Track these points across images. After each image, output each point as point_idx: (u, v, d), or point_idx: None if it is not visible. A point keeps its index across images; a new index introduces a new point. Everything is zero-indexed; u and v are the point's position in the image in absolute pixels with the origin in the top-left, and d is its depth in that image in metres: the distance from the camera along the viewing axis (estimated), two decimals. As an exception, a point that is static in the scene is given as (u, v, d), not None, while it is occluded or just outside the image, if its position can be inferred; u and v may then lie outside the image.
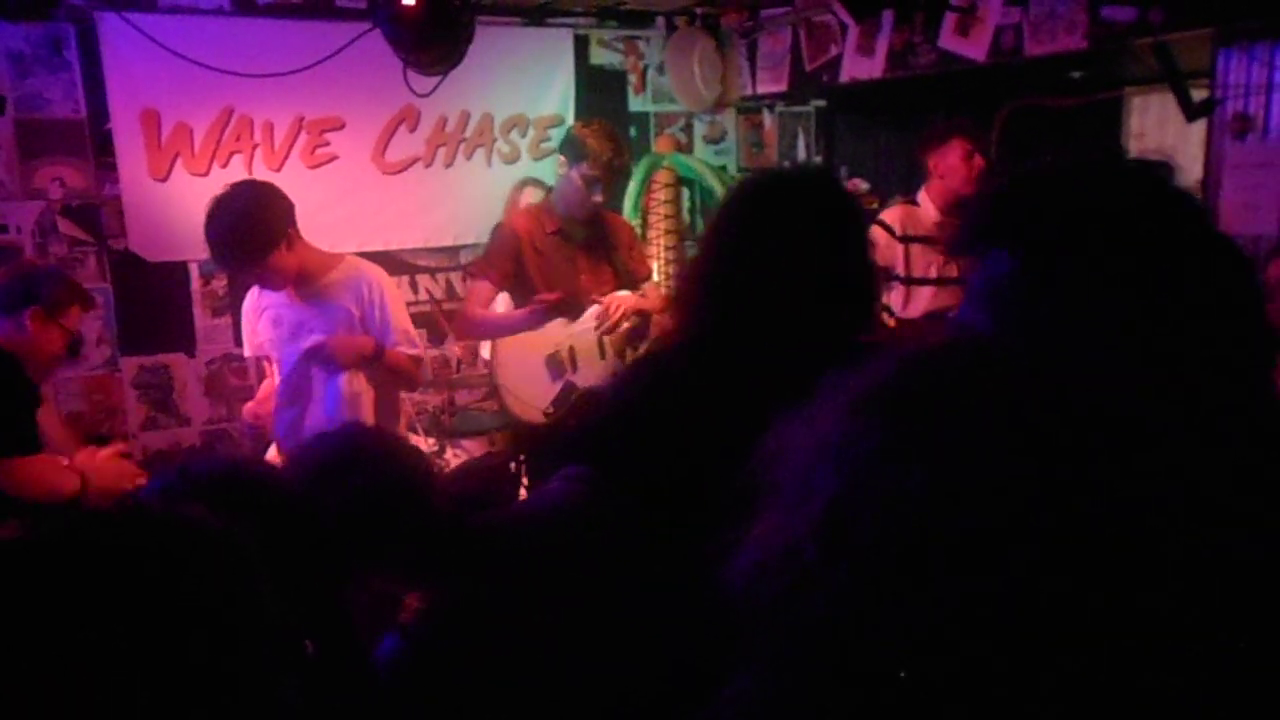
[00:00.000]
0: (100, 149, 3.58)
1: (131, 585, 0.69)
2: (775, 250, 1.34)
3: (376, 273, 2.71)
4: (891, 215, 3.30)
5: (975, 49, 3.36)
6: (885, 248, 3.18)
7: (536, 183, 4.10)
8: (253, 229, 2.42)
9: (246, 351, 2.91)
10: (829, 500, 0.52)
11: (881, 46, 3.71)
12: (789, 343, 1.28)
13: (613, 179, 2.94)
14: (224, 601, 0.72)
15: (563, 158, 2.97)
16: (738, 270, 1.37)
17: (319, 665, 1.04)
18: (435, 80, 2.92)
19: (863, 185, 4.31)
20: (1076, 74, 3.60)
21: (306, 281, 2.60)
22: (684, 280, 1.48)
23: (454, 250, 4.26)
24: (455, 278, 4.32)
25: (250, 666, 0.72)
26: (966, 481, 0.49)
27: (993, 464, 0.49)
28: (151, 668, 0.66)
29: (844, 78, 3.91)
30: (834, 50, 3.95)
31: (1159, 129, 3.80)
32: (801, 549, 0.53)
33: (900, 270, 3.25)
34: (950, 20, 3.42)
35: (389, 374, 2.66)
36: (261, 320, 2.70)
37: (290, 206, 2.50)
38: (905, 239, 3.24)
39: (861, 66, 3.82)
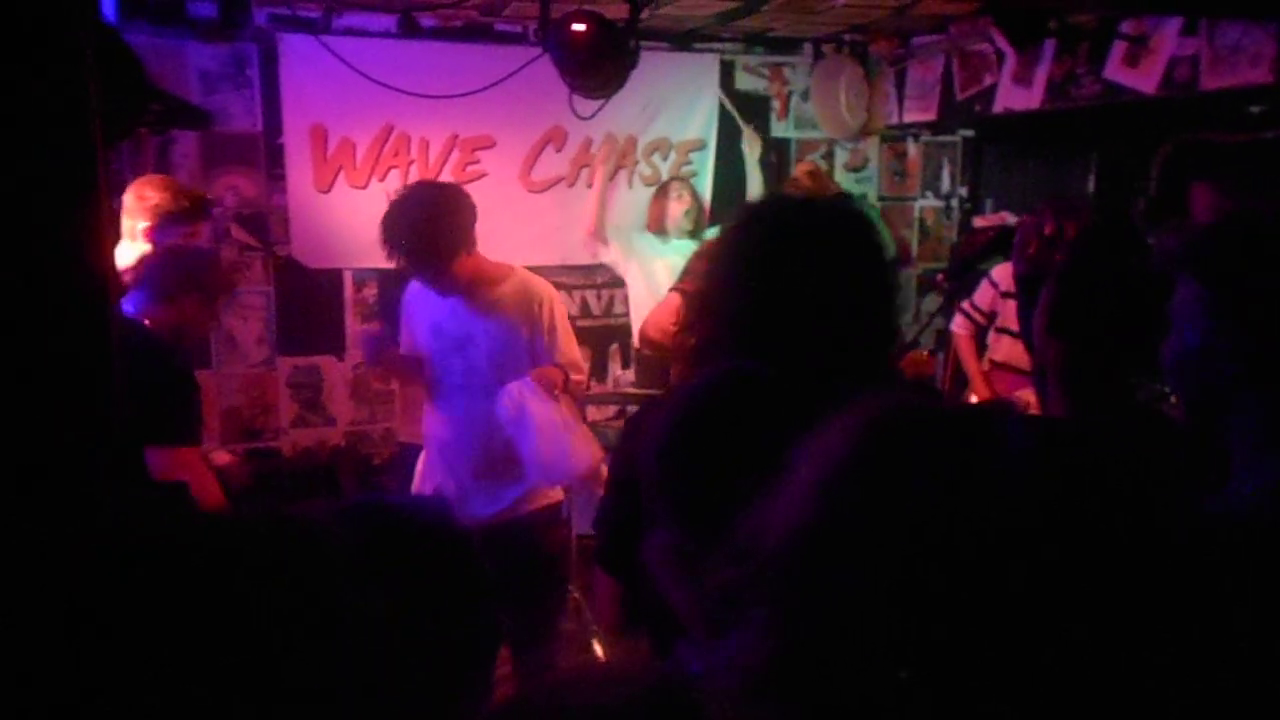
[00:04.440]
0: (271, 161, 3.82)
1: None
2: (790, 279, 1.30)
3: (549, 290, 2.64)
4: (1000, 271, 3.48)
5: (1145, 81, 3.21)
6: (994, 300, 3.53)
7: (682, 181, 4.14)
8: (442, 230, 2.40)
9: (403, 348, 2.77)
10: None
11: (1040, 76, 3.59)
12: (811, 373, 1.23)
13: None
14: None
15: None
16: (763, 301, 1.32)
17: None
18: (597, 104, 2.99)
19: (1011, 218, 4.17)
20: (1255, 109, 3.39)
21: (477, 291, 2.54)
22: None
23: (590, 269, 4.34)
24: (590, 295, 4.40)
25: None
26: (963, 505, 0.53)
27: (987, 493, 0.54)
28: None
29: (997, 108, 3.80)
30: (988, 80, 3.85)
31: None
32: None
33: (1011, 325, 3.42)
34: (1118, 50, 3.28)
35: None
36: (419, 329, 2.67)
37: (475, 212, 2.48)
38: (1005, 295, 3.44)
39: (1018, 97, 3.71)
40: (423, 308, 2.66)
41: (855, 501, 0.55)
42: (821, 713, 0.54)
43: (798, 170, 4.37)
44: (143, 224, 2.73)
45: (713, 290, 1.37)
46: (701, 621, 1.01)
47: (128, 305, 2.27)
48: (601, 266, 4.30)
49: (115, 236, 2.58)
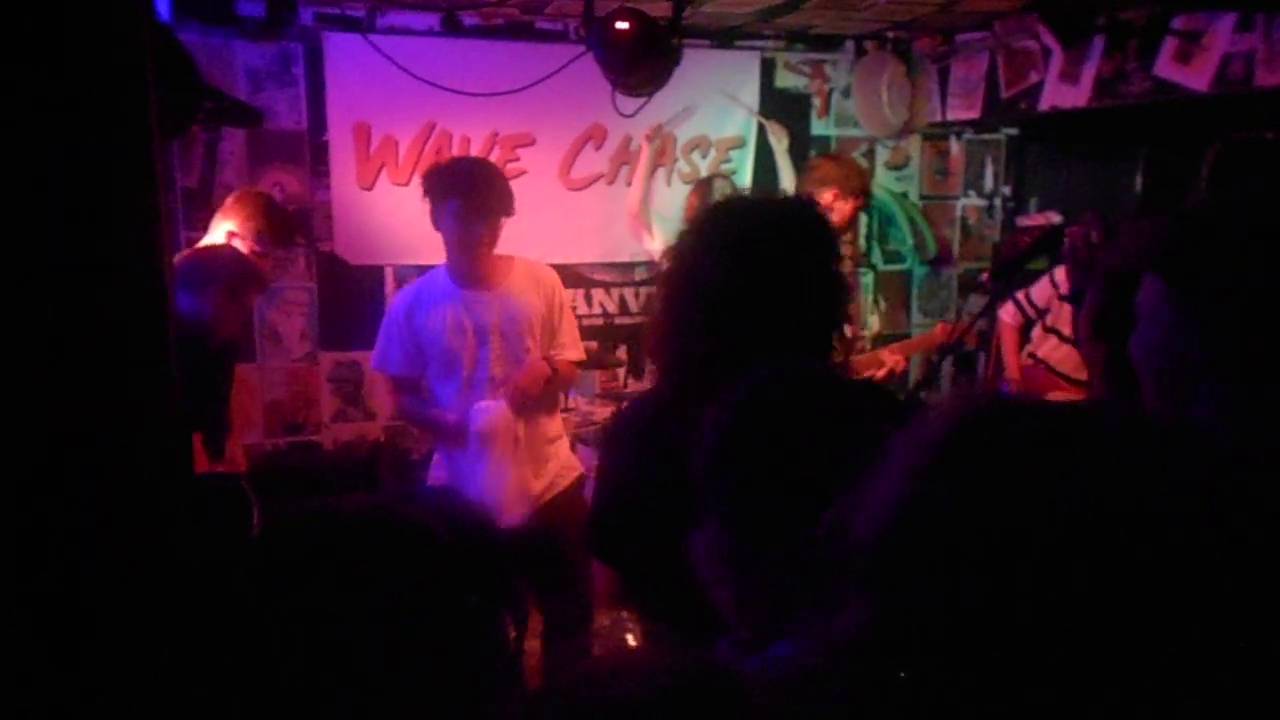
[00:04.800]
0: (315, 158, 3.87)
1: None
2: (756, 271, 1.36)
3: (551, 271, 2.81)
4: (1062, 272, 3.47)
5: (1197, 78, 3.14)
6: (1051, 299, 3.58)
7: (724, 178, 4.12)
8: (501, 175, 2.65)
9: (392, 369, 2.74)
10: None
11: (1088, 73, 3.53)
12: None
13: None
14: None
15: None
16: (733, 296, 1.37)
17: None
18: (639, 102, 3.01)
19: (1055, 218, 4.11)
20: (1312, 107, 3.30)
21: (492, 281, 2.64)
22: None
23: (629, 266, 4.35)
24: (629, 293, 4.40)
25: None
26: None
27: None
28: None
29: (1043, 106, 3.75)
30: (1034, 77, 3.79)
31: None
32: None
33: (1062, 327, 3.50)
34: (1170, 47, 3.21)
35: (560, 385, 2.76)
36: (431, 335, 2.65)
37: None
38: (1063, 298, 3.48)
39: (1065, 94, 3.65)
40: (432, 312, 2.67)
41: (949, 490, 0.55)
42: (884, 698, 0.54)
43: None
44: (230, 227, 2.91)
45: (681, 285, 1.42)
46: (750, 618, 1.01)
47: None
48: (640, 264, 4.30)
49: (171, 231, 2.71)
